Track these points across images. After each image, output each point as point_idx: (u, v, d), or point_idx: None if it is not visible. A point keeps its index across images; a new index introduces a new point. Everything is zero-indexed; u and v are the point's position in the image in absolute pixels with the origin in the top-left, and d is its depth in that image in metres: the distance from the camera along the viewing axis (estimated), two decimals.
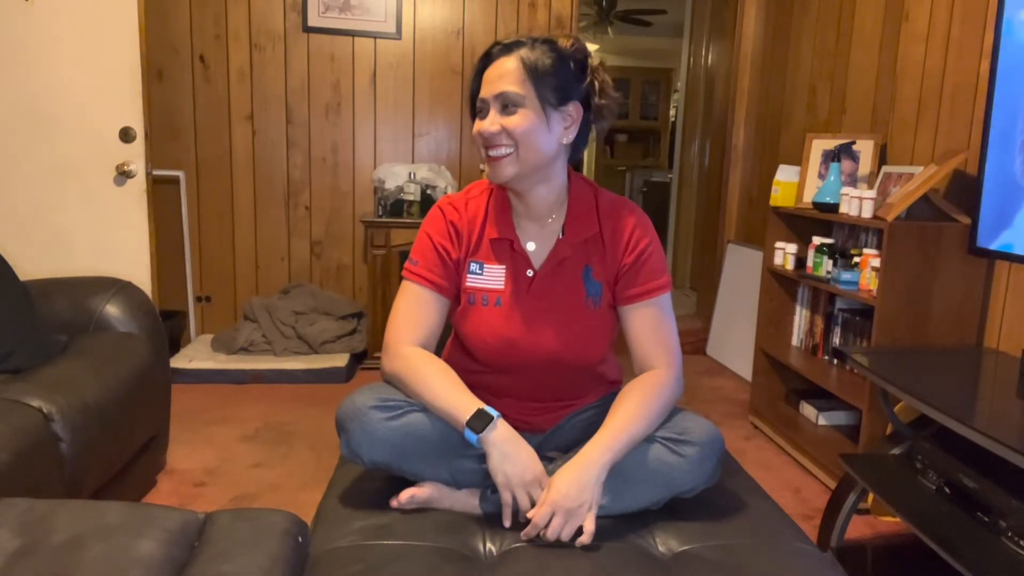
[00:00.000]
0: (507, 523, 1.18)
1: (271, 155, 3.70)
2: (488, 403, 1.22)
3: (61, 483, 1.59)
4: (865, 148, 2.65)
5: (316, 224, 3.79)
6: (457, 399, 1.20)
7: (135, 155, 2.70)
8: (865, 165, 2.64)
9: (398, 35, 3.70)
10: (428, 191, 3.46)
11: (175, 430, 2.66)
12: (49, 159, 2.67)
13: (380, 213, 3.49)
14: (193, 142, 3.63)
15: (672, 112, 8.55)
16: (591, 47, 8.76)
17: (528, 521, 1.13)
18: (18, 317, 1.84)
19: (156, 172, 3.07)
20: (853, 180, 2.66)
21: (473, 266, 1.31)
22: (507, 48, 1.24)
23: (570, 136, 1.26)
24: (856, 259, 2.45)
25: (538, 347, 1.28)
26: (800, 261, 2.76)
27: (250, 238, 3.75)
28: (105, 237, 2.73)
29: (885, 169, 2.55)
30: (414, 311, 1.29)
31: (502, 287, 1.30)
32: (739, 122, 3.84)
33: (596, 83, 1.27)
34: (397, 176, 3.48)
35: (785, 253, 2.77)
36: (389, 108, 3.76)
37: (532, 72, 1.21)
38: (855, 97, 2.88)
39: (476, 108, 1.27)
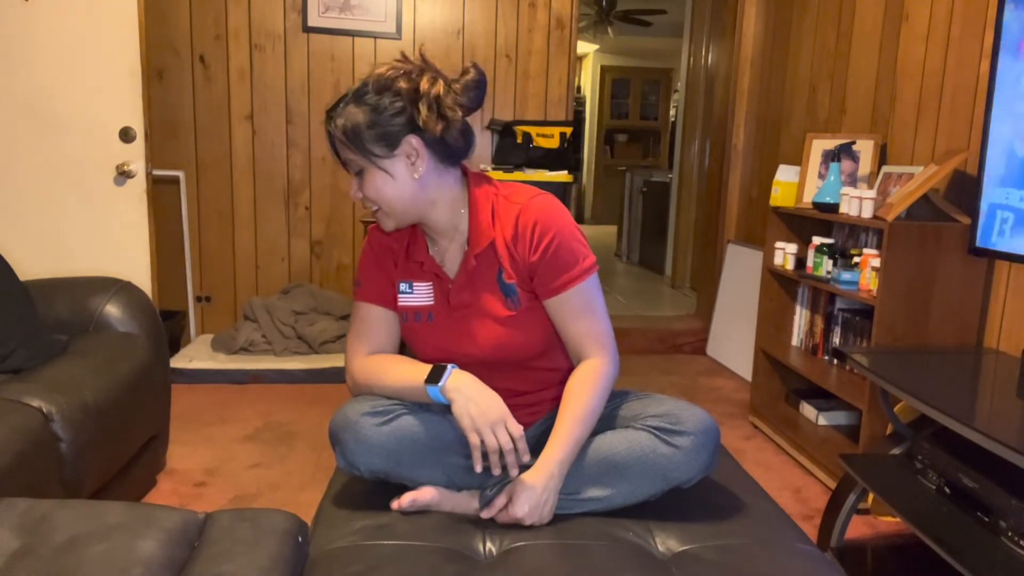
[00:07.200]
0: (477, 467, 1.20)
1: (271, 155, 3.70)
2: None
3: (61, 483, 1.59)
4: (865, 148, 2.65)
5: (316, 224, 3.79)
6: (414, 371, 1.25)
7: (135, 155, 2.70)
8: (865, 165, 2.64)
9: (398, 35, 3.70)
10: None
11: (175, 430, 2.66)
12: (49, 159, 2.67)
13: None
14: (193, 142, 3.63)
15: (672, 112, 8.55)
16: (590, 47, 8.74)
17: (493, 472, 1.22)
18: (18, 317, 1.84)
19: (156, 172, 3.07)
20: (853, 180, 2.66)
21: (403, 286, 1.35)
22: (331, 118, 1.24)
23: (420, 169, 1.23)
24: (856, 259, 2.45)
25: (472, 353, 1.32)
26: (800, 261, 2.76)
27: (250, 238, 3.75)
28: (105, 237, 2.73)
29: (885, 169, 2.55)
30: (364, 328, 1.36)
31: (432, 303, 1.34)
32: (739, 122, 3.84)
33: (423, 102, 1.21)
34: None
35: (785, 253, 2.77)
36: None
37: (350, 137, 1.21)
38: (855, 97, 2.88)
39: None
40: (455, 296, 1.32)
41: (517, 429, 1.20)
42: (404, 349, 1.39)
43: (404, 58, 1.26)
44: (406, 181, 1.24)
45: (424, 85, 1.22)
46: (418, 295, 1.35)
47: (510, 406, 1.38)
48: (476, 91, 1.25)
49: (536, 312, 1.31)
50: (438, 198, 1.29)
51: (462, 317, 1.32)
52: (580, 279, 1.28)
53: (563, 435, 1.23)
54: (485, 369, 1.32)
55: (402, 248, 1.36)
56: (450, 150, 1.26)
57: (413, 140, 1.22)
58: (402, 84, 1.21)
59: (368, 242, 1.40)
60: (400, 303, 1.36)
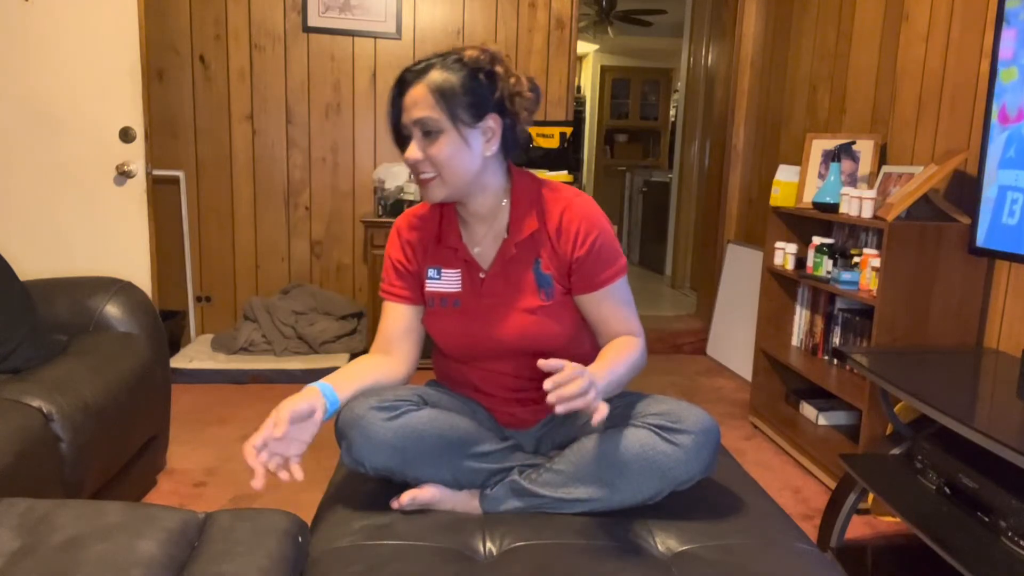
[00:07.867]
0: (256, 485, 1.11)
1: (271, 155, 3.70)
2: (473, 398, 1.37)
3: (61, 483, 1.59)
4: (865, 148, 2.65)
5: (316, 224, 3.79)
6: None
7: (135, 155, 2.70)
8: (865, 165, 2.64)
9: (398, 35, 3.70)
10: None
11: (175, 430, 2.66)
12: (49, 159, 2.67)
13: (380, 213, 3.49)
14: (193, 142, 3.63)
15: (672, 112, 8.55)
16: (591, 47, 8.71)
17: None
18: (18, 317, 1.84)
19: (156, 172, 3.07)
20: (853, 180, 2.66)
21: (431, 272, 1.38)
22: (418, 74, 1.25)
23: (492, 148, 1.28)
24: (856, 259, 2.45)
25: (496, 341, 1.33)
26: (800, 261, 2.76)
27: (250, 238, 3.75)
28: (105, 237, 2.73)
29: (885, 169, 2.55)
30: (383, 324, 1.41)
31: (459, 289, 1.36)
32: (739, 122, 3.84)
33: (508, 90, 1.28)
34: (397, 176, 3.48)
35: (785, 253, 2.77)
36: None
37: (441, 95, 1.22)
38: (855, 97, 2.88)
39: (401, 135, 1.30)
40: (489, 283, 1.34)
41: (277, 419, 1.12)
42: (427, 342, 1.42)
43: (486, 47, 1.29)
44: (477, 155, 1.27)
45: (511, 79, 1.28)
46: (446, 281, 1.37)
47: (516, 400, 1.39)
48: (537, 98, 1.32)
49: (566, 304, 1.34)
50: (490, 183, 1.32)
51: (490, 305, 1.33)
52: (619, 275, 1.33)
53: (609, 364, 1.23)
54: (505, 357, 1.34)
55: (432, 235, 1.38)
56: (515, 141, 1.31)
57: (494, 120, 1.26)
58: (498, 69, 1.27)
59: (395, 236, 1.42)
60: (428, 288, 1.38)
